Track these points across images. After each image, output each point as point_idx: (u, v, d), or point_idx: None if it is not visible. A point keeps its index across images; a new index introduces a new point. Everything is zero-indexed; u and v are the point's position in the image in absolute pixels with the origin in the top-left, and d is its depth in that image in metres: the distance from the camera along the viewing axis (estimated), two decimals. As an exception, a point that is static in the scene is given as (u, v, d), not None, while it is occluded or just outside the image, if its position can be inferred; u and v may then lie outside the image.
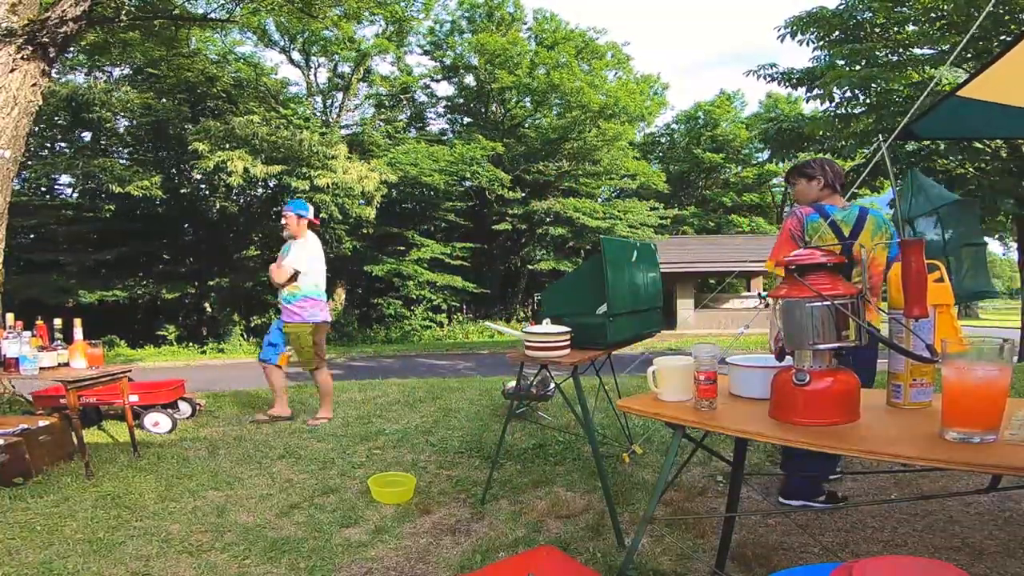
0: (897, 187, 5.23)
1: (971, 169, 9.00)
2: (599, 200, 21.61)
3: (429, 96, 21.93)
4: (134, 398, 4.18)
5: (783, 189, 28.92)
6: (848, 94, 8.39)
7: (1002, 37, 7.09)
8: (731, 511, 1.98)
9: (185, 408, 4.82)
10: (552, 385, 3.48)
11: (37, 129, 13.89)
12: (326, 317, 4.63)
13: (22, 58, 4.75)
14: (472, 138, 18.59)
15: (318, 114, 19.10)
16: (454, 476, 3.27)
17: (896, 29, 8.35)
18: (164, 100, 15.07)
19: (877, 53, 8.27)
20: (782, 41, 8.72)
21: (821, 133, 9.00)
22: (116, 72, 15.87)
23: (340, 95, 19.51)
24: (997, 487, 1.29)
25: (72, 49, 10.14)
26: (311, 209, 4.76)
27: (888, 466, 2.71)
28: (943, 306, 1.46)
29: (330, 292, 18.21)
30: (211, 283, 16.24)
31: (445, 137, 20.64)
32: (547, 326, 2.69)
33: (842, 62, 8.43)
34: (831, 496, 2.66)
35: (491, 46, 18.51)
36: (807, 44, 8.84)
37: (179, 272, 16.54)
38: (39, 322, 3.59)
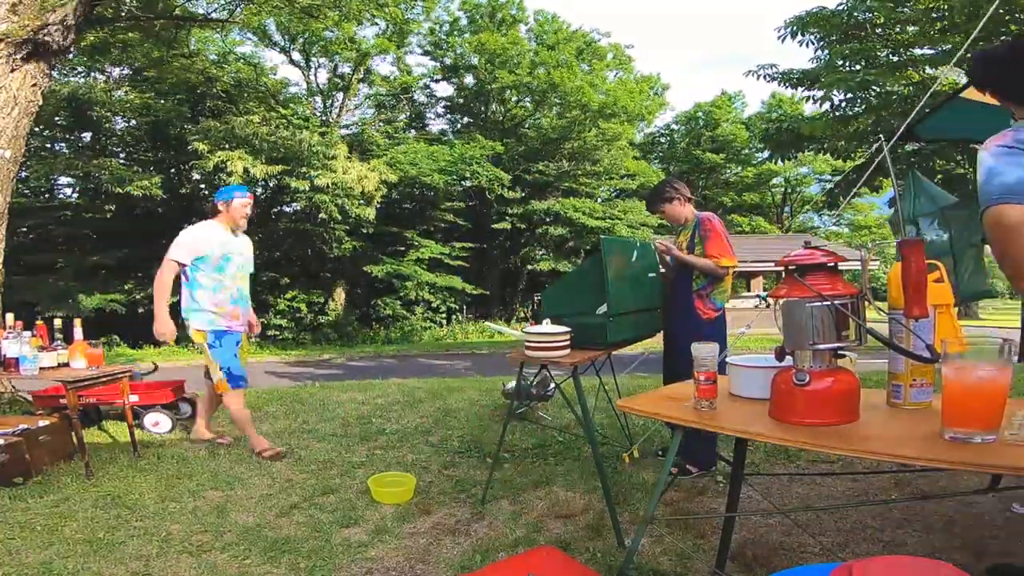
0: (899, 187, 5.23)
1: (970, 170, 9.01)
2: (599, 200, 21.62)
3: (429, 96, 21.96)
4: (134, 398, 4.18)
5: (783, 189, 28.96)
6: (848, 95, 8.38)
7: (1003, 37, 7.09)
8: (731, 511, 1.98)
9: (185, 408, 4.81)
10: (552, 385, 3.47)
11: (37, 129, 13.89)
12: None
13: (22, 58, 4.75)
14: (472, 138, 18.59)
15: (318, 114, 19.11)
16: (454, 476, 3.27)
17: (897, 29, 8.36)
18: (164, 100, 15.07)
19: (878, 53, 8.27)
20: (783, 41, 8.72)
21: (820, 134, 9.01)
22: (116, 72, 15.87)
23: (340, 95, 19.52)
24: (997, 487, 1.29)
25: (72, 49, 10.15)
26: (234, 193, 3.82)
27: (888, 466, 2.71)
28: (943, 306, 1.46)
29: (330, 292, 18.26)
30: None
31: (445, 137, 20.65)
32: (547, 326, 2.69)
33: (842, 62, 8.43)
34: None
35: (492, 46, 18.52)
36: (807, 45, 8.85)
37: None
38: (39, 322, 3.59)
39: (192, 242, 3.65)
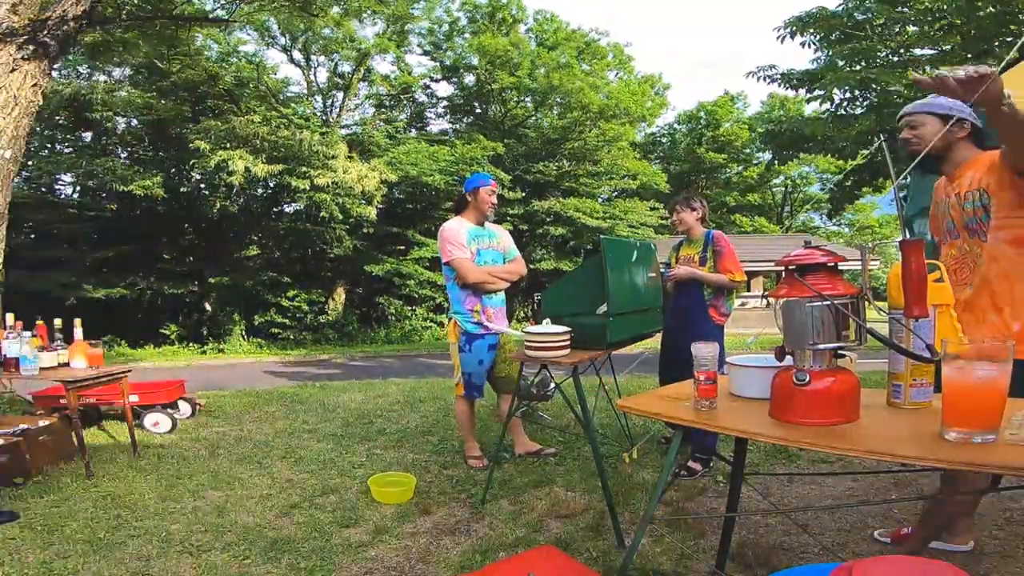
0: (901, 186, 5.23)
1: None
2: (599, 200, 21.61)
3: (429, 96, 21.95)
4: (134, 398, 4.19)
5: (784, 189, 28.95)
6: (848, 95, 8.38)
7: (1003, 38, 7.09)
8: (731, 511, 1.98)
9: (185, 408, 4.82)
10: (552, 385, 3.47)
11: (38, 129, 13.90)
12: None
13: (23, 58, 4.75)
14: (472, 138, 18.58)
15: (318, 114, 19.10)
16: (454, 476, 3.27)
17: (896, 29, 8.36)
18: (165, 100, 15.08)
19: (878, 53, 8.26)
20: (782, 42, 8.72)
21: (820, 135, 9.00)
22: (117, 72, 15.87)
23: (340, 95, 19.51)
24: (997, 487, 1.29)
25: (72, 49, 10.14)
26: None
27: (888, 466, 2.71)
28: (943, 306, 1.46)
29: (330, 292, 18.26)
30: (212, 282, 16.25)
31: (446, 137, 20.64)
32: (547, 326, 2.69)
33: (842, 62, 8.42)
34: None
35: (491, 47, 18.52)
36: (808, 45, 8.85)
37: (179, 271, 16.54)
38: (39, 322, 3.59)
39: (455, 237, 3.36)
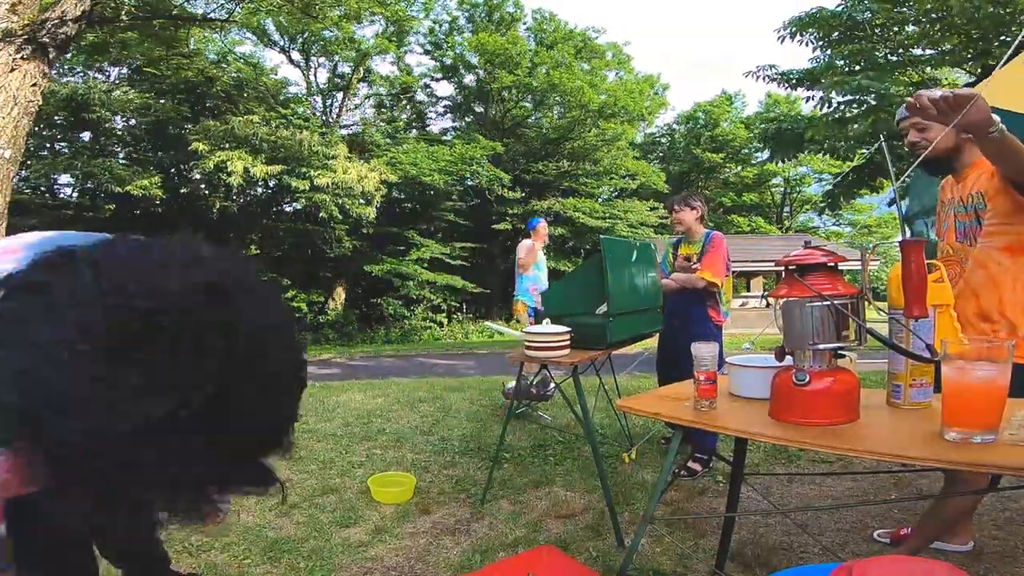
0: (900, 186, 5.24)
1: None
2: (599, 200, 21.63)
3: (429, 96, 21.98)
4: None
5: (783, 189, 28.96)
6: (847, 97, 8.39)
7: (1002, 38, 7.09)
8: (731, 511, 1.98)
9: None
10: (552, 385, 3.47)
11: (37, 129, 13.88)
12: None
13: (22, 58, 4.75)
14: (472, 138, 18.59)
15: (318, 114, 19.10)
16: (454, 476, 3.27)
17: (896, 29, 8.36)
18: (164, 100, 15.08)
19: (876, 54, 8.27)
20: (782, 42, 8.74)
21: (821, 136, 9.02)
22: (115, 72, 15.86)
23: (340, 95, 19.53)
24: (997, 487, 1.29)
25: (72, 49, 10.15)
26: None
27: (888, 466, 2.71)
28: (943, 306, 1.46)
29: (330, 292, 18.26)
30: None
31: (446, 137, 20.65)
32: (547, 326, 2.69)
33: (841, 63, 8.43)
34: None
35: (490, 46, 18.54)
36: (807, 45, 8.86)
37: (179, 272, 16.52)
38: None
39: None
